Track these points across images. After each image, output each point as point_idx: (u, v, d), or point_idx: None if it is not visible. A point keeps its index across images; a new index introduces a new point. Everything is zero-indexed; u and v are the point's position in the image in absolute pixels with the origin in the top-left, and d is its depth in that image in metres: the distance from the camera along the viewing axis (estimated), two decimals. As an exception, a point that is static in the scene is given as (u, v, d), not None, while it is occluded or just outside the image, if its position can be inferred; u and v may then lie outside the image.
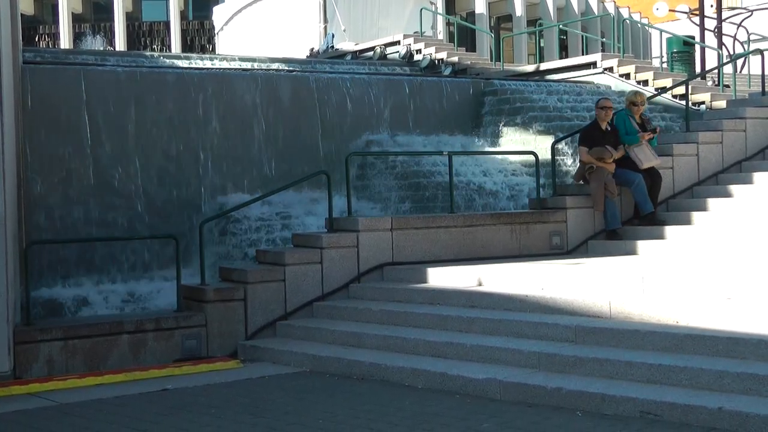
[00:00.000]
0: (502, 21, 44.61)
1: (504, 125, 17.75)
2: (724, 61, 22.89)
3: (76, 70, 15.10)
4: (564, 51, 38.73)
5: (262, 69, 19.57)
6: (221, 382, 8.93)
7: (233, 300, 10.42)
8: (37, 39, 49.05)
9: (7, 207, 9.09)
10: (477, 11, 41.27)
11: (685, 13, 38.40)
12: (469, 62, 23.39)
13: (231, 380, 9.03)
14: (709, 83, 21.89)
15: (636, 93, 13.14)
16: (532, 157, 13.64)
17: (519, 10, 42.16)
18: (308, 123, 16.40)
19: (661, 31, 25.16)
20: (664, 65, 22.50)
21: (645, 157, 12.39)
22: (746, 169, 13.20)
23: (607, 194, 12.11)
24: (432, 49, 23.71)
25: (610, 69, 19.88)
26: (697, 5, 28.74)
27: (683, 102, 15.72)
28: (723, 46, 29.84)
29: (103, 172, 14.44)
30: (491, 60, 26.20)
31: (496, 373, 7.87)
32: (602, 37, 37.32)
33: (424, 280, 10.68)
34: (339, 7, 30.45)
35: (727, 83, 20.06)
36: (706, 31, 27.81)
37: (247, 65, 20.87)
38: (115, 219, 14.28)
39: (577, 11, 42.96)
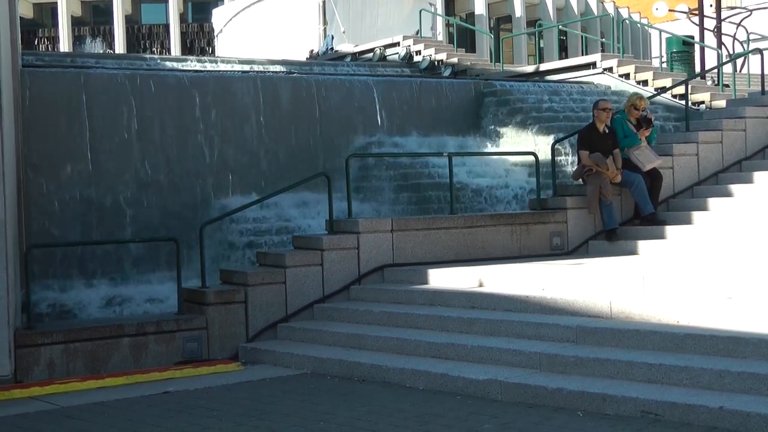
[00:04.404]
0: (501, 22, 44.67)
1: (504, 126, 17.75)
2: (724, 60, 22.89)
3: (76, 73, 15.11)
4: (564, 51, 38.75)
5: (261, 71, 19.57)
6: (222, 385, 8.93)
7: (234, 302, 10.42)
8: (36, 42, 49.05)
9: (8, 210, 9.09)
10: (476, 12, 41.33)
11: (685, 12, 38.41)
12: (468, 63, 23.40)
13: (232, 382, 9.02)
14: (709, 83, 21.88)
15: (640, 98, 12.72)
16: (531, 158, 13.63)
17: (518, 10, 42.21)
18: (308, 125, 16.40)
19: (661, 31, 25.20)
20: (664, 65, 22.51)
21: (646, 158, 12.36)
22: (746, 169, 13.19)
23: (601, 197, 12.08)
24: (432, 51, 23.71)
25: (610, 69, 19.87)
26: (696, 5, 28.74)
27: (683, 102, 15.72)
28: (722, 46, 29.85)
29: (103, 175, 14.44)
30: (491, 61, 26.21)
31: (497, 373, 7.87)
32: (602, 37, 37.37)
33: (425, 282, 10.68)
34: (338, 8, 30.45)
35: (726, 83, 20.06)
36: (705, 31, 27.81)
37: (247, 67, 20.87)
38: (114, 222, 14.28)
39: (576, 12, 43.00)
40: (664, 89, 17.73)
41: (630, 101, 12.74)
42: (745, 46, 29.80)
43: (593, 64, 20.35)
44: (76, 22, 50.47)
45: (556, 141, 13.97)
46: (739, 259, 10.05)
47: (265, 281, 10.57)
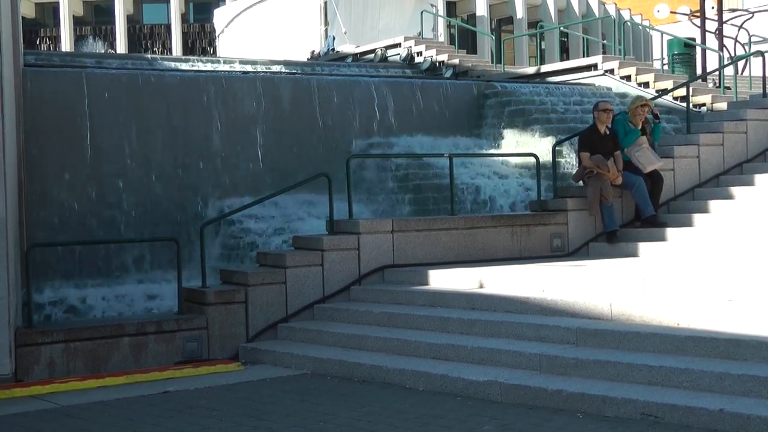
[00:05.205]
0: (503, 23, 44.65)
1: (505, 127, 17.75)
2: (725, 63, 22.90)
3: (78, 73, 15.12)
4: (565, 53, 38.75)
5: (262, 71, 19.58)
6: (222, 385, 8.93)
7: (234, 302, 10.42)
8: (38, 42, 49.10)
9: (9, 210, 9.09)
10: (478, 13, 41.29)
11: (686, 15, 38.45)
12: (470, 64, 23.41)
13: (232, 382, 9.03)
14: (710, 85, 21.88)
15: (647, 100, 12.77)
16: (532, 159, 13.63)
17: (520, 12, 42.19)
18: (309, 125, 16.40)
19: (662, 33, 25.18)
20: (665, 67, 22.51)
21: (647, 160, 12.34)
22: (747, 171, 13.19)
23: (602, 199, 12.07)
24: (433, 52, 23.73)
25: (611, 71, 19.88)
26: (698, 7, 28.76)
27: (684, 104, 15.71)
28: (724, 48, 29.86)
29: (104, 175, 14.45)
30: (492, 62, 26.21)
31: (498, 375, 7.87)
32: (603, 39, 37.34)
33: (425, 282, 10.68)
34: (340, 9, 30.47)
35: (728, 85, 20.07)
36: (707, 33, 27.84)
37: (248, 68, 20.89)
38: (116, 221, 14.29)
39: (578, 13, 42.98)
40: (665, 91, 17.73)
41: (635, 102, 12.70)
42: (747, 48, 29.80)
43: (594, 66, 20.36)
44: (77, 22, 50.52)
45: (557, 142, 13.97)
46: (740, 261, 10.06)
47: (265, 281, 10.56)
